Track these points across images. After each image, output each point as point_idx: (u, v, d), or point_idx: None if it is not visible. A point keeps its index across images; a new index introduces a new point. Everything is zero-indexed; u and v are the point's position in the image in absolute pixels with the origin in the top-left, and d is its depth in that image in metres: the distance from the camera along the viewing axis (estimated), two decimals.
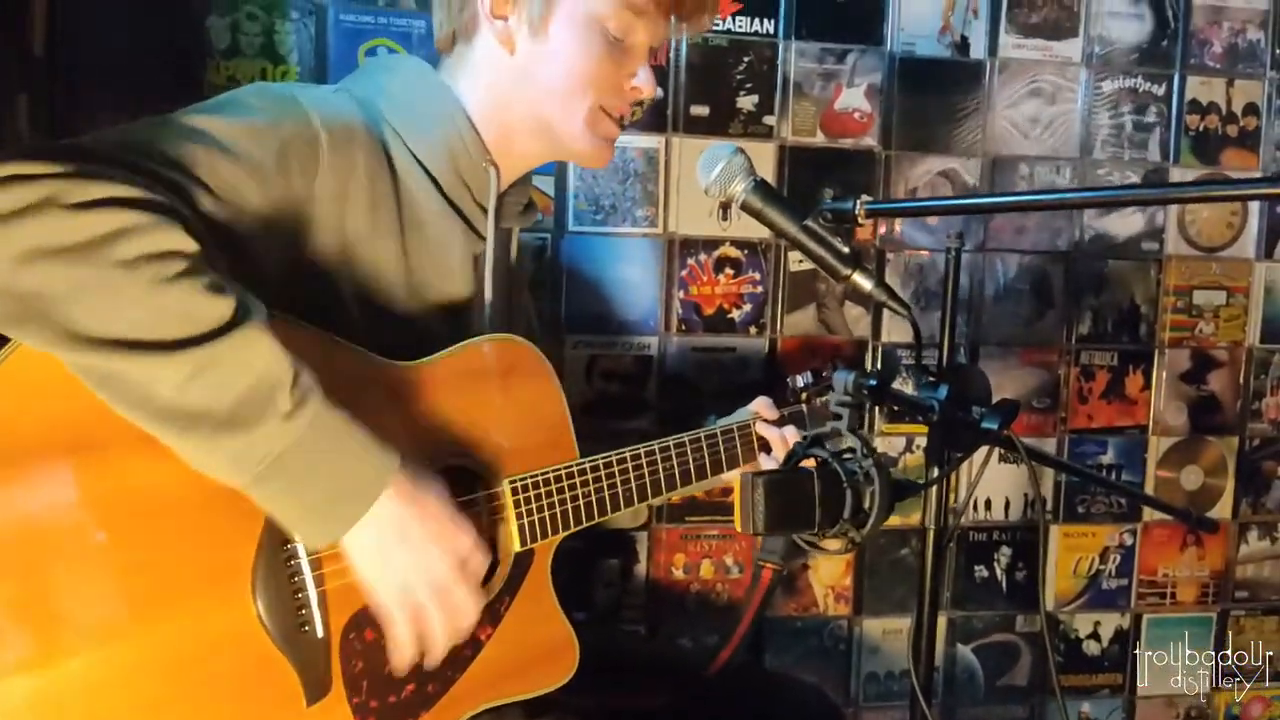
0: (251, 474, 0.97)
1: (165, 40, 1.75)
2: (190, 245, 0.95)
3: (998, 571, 2.22)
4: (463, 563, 1.12)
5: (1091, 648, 2.29)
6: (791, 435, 1.57)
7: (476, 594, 1.15)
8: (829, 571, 2.15)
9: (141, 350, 0.91)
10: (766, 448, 1.57)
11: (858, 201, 1.25)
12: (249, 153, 1.07)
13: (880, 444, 2.12)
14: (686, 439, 1.46)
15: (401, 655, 1.12)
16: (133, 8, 1.73)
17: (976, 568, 2.22)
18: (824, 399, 1.67)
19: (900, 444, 2.15)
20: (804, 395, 1.66)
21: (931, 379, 1.32)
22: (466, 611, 1.14)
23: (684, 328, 2.04)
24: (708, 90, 1.99)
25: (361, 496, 1.04)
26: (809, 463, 1.20)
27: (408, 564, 1.08)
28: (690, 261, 2.02)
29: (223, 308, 0.95)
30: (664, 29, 1.35)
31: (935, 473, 1.31)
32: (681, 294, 2.03)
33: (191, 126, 1.06)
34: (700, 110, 1.99)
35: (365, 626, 1.11)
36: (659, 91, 1.39)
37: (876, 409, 2.08)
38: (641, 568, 2.07)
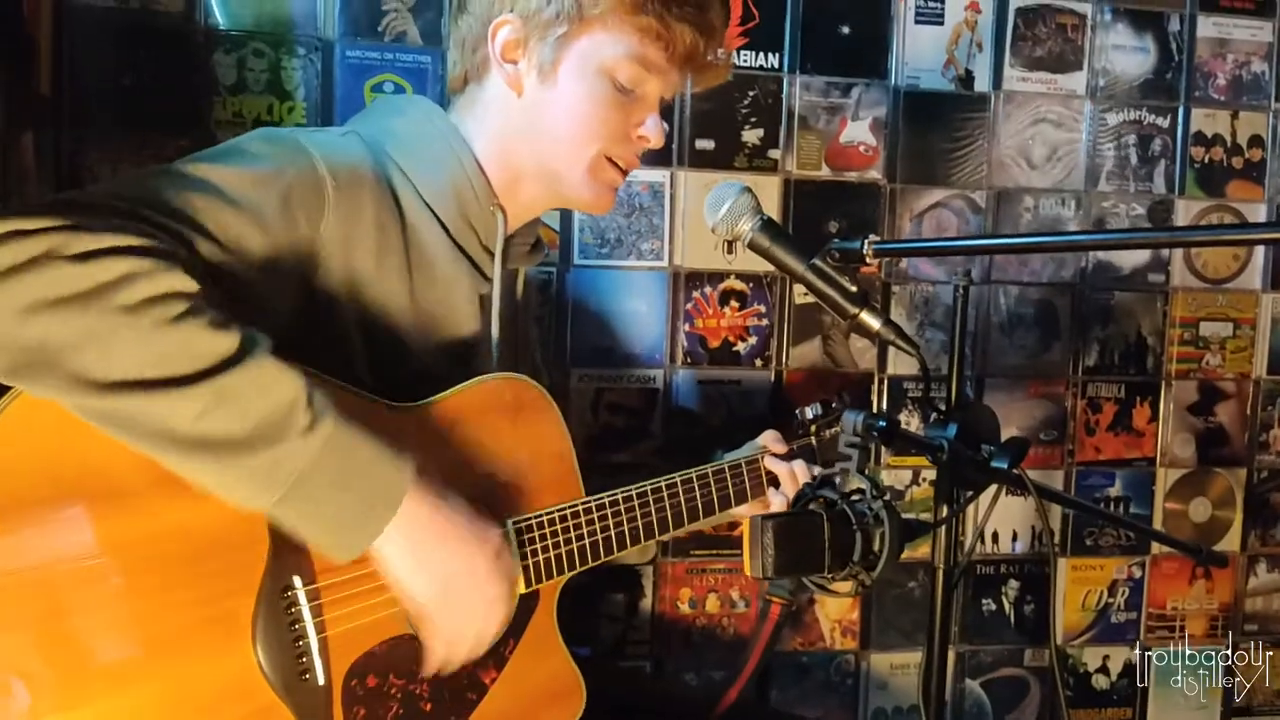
0: (278, 493, 0.98)
1: (171, 77, 1.76)
2: (191, 285, 0.96)
3: (1005, 605, 2.21)
4: (497, 553, 1.15)
5: (1100, 682, 2.27)
6: (801, 470, 1.56)
7: (512, 592, 1.17)
8: (836, 605, 2.14)
9: (155, 388, 0.92)
10: (775, 482, 1.56)
11: (866, 241, 1.25)
12: (252, 201, 1.07)
13: (886, 476, 2.12)
14: (694, 475, 1.45)
15: (434, 659, 1.14)
16: (138, 45, 1.73)
17: (984, 601, 2.20)
18: (833, 430, 1.66)
19: (907, 477, 2.14)
20: (813, 427, 1.65)
21: (940, 416, 1.32)
22: (503, 609, 1.16)
23: (689, 360, 2.03)
24: (713, 124, 1.99)
25: (387, 501, 1.04)
26: (818, 504, 1.20)
27: (446, 559, 1.10)
28: (695, 294, 2.02)
29: (229, 341, 0.96)
30: (676, 82, 1.36)
31: (945, 512, 1.30)
32: (687, 327, 2.02)
33: (194, 175, 1.06)
34: (705, 144, 2.00)
35: (368, 673, 1.11)
36: (663, 142, 1.39)
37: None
38: (647, 602, 2.06)
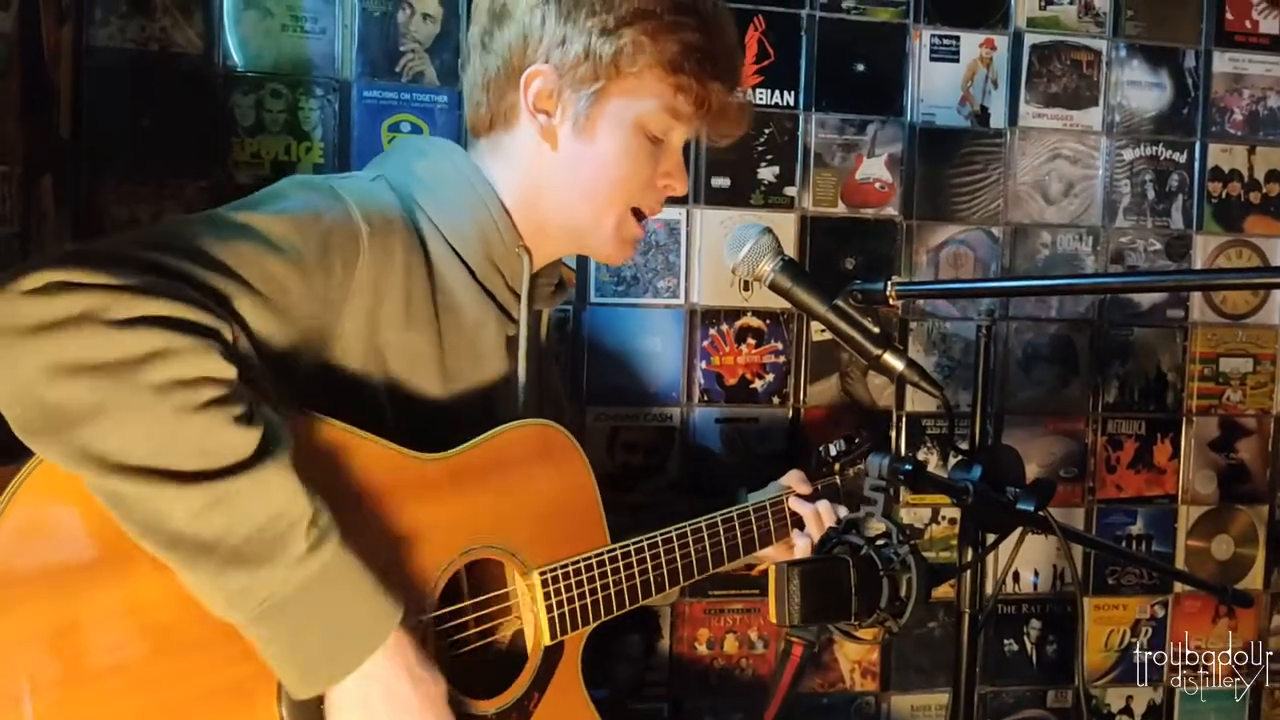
0: (250, 614, 0.95)
1: (189, 118, 1.76)
2: (226, 371, 0.94)
3: (1028, 645, 2.18)
4: None
5: None
6: (825, 510, 1.55)
7: None
8: (855, 647, 2.11)
9: (158, 479, 0.90)
10: (799, 523, 1.55)
11: (889, 283, 1.24)
12: (294, 246, 1.07)
13: (906, 515, 2.10)
14: (719, 519, 1.44)
15: None
16: (157, 87, 1.74)
17: (1006, 641, 2.17)
18: (857, 468, 1.64)
19: (926, 515, 2.12)
20: (836, 465, 1.64)
21: (963, 459, 1.30)
22: None
23: (706, 398, 2.02)
24: (729, 162, 1.99)
25: (356, 650, 1.01)
26: (843, 549, 1.18)
27: None
28: (712, 332, 2.01)
29: (248, 441, 0.94)
30: (697, 129, 1.36)
31: (970, 555, 1.29)
32: (703, 364, 2.01)
33: (237, 222, 1.06)
34: (721, 182, 1.99)
35: None
36: (686, 190, 1.39)
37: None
38: (664, 642, 2.03)
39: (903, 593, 1.16)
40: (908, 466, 1.20)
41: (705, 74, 1.27)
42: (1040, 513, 1.28)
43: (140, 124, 1.74)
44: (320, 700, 1.03)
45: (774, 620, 1.10)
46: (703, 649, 2.05)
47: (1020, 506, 1.27)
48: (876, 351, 1.26)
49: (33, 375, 0.87)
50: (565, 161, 1.29)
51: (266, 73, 1.79)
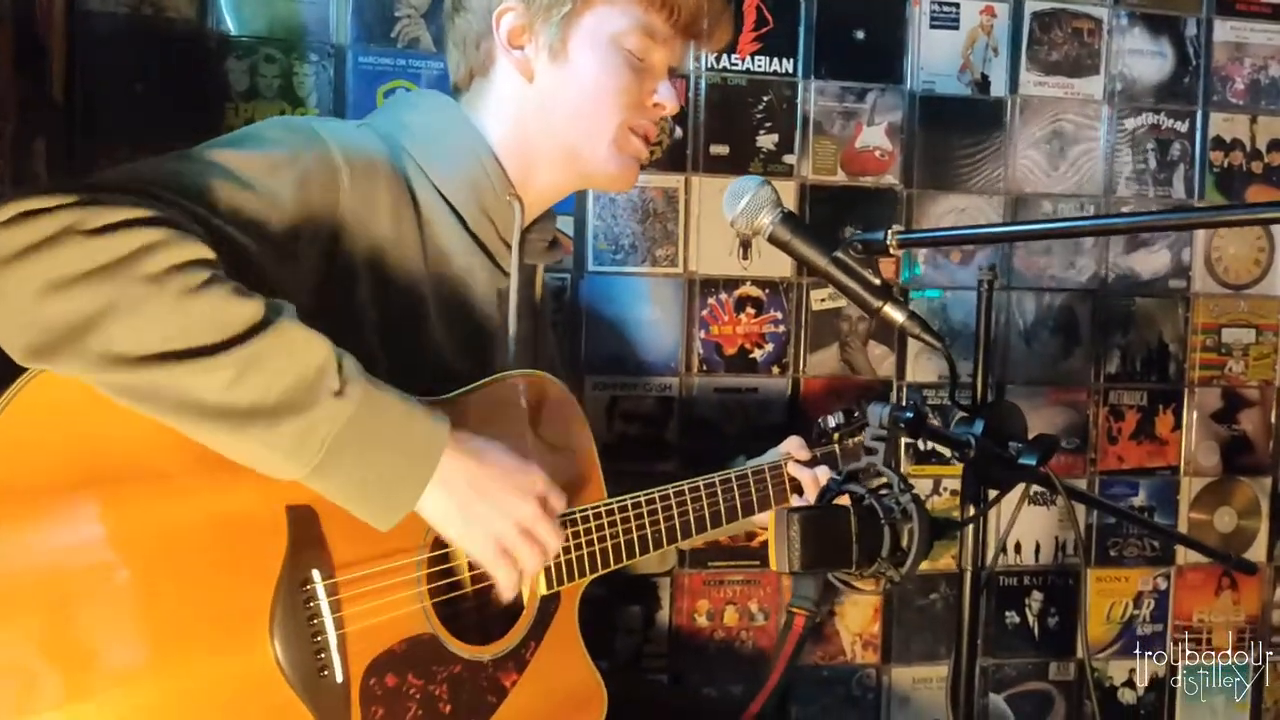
0: (313, 460, 0.96)
1: (183, 83, 1.75)
2: (210, 253, 0.95)
3: (1029, 617, 2.17)
4: (542, 500, 1.13)
5: (1127, 696, 2.23)
6: (824, 475, 1.53)
7: (559, 528, 1.16)
8: (856, 618, 2.10)
9: (181, 359, 0.91)
10: (798, 489, 1.54)
11: (889, 232, 1.23)
12: (268, 185, 1.07)
13: None
14: (717, 479, 1.42)
15: (509, 594, 1.14)
16: (150, 51, 1.73)
17: (1007, 613, 2.16)
18: (856, 440, 1.63)
19: (928, 486, 2.10)
20: (836, 436, 1.62)
21: (965, 414, 1.29)
22: (553, 546, 1.15)
23: (705, 368, 2.00)
24: (727, 129, 1.98)
25: (424, 460, 1.03)
26: (844, 499, 1.17)
27: (491, 514, 1.08)
28: (711, 301, 2.00)
29: (254, 308, 0.95)
30: (681, 50, 1.36)
31: (972, 511, 1.27)
32: (702, 334, 2.00)
33: (211, 160, 1.05)
34: (720, 149, 1.98)
35: (386, 672, 1.07)
36: (680, 106, 1.38)
37: (904, 450, 2.04)
38: (664, 614, 2.02)
39: (904, 543, 1.14)
40: (908, 414, 1.18)
41: None
42: (1043, 469, 1.26)
43: (133, 88, 1.72)
44: (313, 615, 1.02)
45: (774, 567, 1.08)
46: (703, 621, 2.03)
47: (1023, 460, 1.26)
48: (877, 304, 1.24)
49: (28, 298, 0.87)
50: (544, 89, 1.29)
51: (261, 37, 1.77)
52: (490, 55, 1.31)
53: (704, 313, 2.00)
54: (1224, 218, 1.25)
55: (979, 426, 1.25)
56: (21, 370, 0.90)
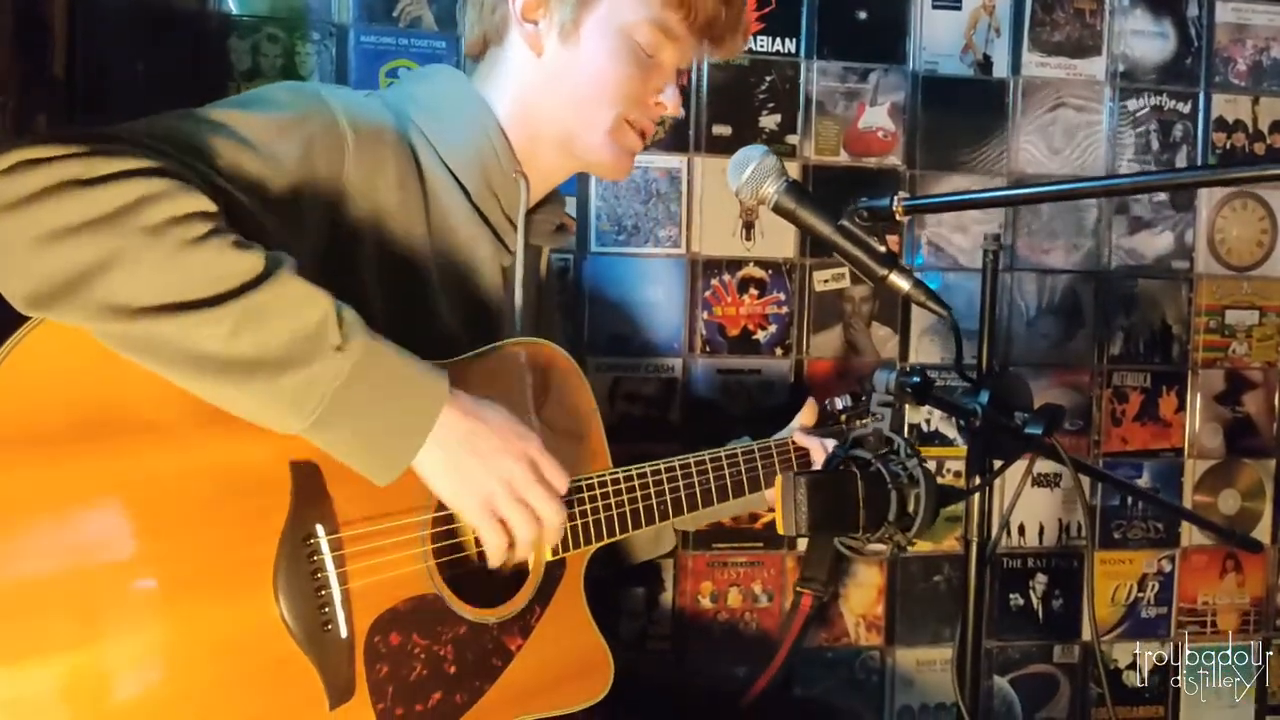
0: (313, 414, 0.96)
1: (185, 62, 1.74)
2: (211, 206, 0.95)
3: (1034, 600, 2.16)
4: (533, 464, 1.12)
5: (1131, 678, 2.22)
6: (831, 444, 1.53)
7: (555, 496, 1.14)
8: (860, 600, 2.09)
9: (182, 311, 0.90)
10: (807, 463, 1.53)
11: (895, 198, 1.22)
12: (272, 147, 1.06)
13: None
14: (723, 454, 1.42)
15: (495, 560, 1.13)
16: (152, 29, 1.72)
17: (1012, 596, 2.15)
18: (863, 422, 1.63)
19: (930, 468, 2.09)
20: (843, 418, 1.62)
21: (971, 384, 1.28)
22: (548, 513, 1.13)
23: (708, 349, 2.00)
24: (730, 110, 1.98)
25: (423, 415, 1.03)
26: (850, 464, 1.16)
27: (483, 474, 1.08)
28: (714, 282, 1.99)
29: (254, 260, 0.95)
30: (692, 52, 1.35)
31: (978, 481, 1.27)
32: (705, 315, 2.00)
33: (215, 120, 1.05)
34: (723, 130, 1.98)
35: (391, 630, 1.07)
36: (682, 111, 1.37)
37: (906, 431, 2.04)
38: (667, 596, 2.02)
39: (910, 508, 1.14)
40: (915, 379, 1.18)
41: None
42: (1048, 439, 1.26)
43: (135, 66, 1.72)
44: (316, 570, 1.02)
45: (780, 530, 1.08)
46: (706, 602, 2.03)
47: (1028, 430, 1.25)
48: (883, 272, 1.24)
49: (29, 247, 0.87)
50: (551, 69, 1.29)
51: (263, 16, 1.77)
52: (504, 23, 1.30)
53: (707, 294, 1.99)
54: (1230, 175, 1.24)
55: (985, 396, 1.24)
56: (24, 319, 0.90)
